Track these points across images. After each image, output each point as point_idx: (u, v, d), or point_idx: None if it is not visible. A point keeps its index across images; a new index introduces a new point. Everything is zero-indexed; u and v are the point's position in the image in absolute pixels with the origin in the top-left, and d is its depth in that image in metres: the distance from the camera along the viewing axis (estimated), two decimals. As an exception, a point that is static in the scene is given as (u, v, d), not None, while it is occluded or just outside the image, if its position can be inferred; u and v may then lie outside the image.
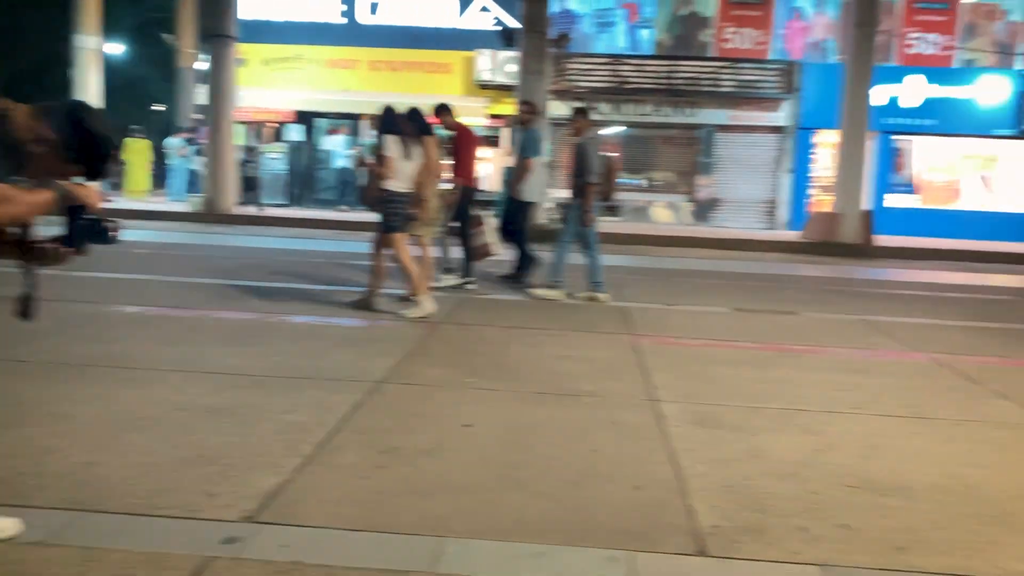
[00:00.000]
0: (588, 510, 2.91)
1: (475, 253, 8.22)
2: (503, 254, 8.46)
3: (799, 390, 4.78)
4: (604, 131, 17.86)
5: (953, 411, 4.46)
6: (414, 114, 6.81)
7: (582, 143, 7.75)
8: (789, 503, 3.05)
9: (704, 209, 20.09)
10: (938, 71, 20.02)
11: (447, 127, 8.25)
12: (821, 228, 16.09)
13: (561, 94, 18.23)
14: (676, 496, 3.06)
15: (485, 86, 19.50)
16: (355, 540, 2.60)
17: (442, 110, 8.16)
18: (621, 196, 17.45)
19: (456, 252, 8.31)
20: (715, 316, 7.45)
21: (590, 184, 7.61)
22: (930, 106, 19.80)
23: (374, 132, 7.08)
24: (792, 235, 17.48)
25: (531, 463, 3.35)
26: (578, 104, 9.83)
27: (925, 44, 20.31)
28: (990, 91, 19.64)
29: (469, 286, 8.14)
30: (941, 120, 19.81)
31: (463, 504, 2.90)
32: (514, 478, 3.17)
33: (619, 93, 19.52)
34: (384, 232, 6.67)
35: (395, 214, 6.56)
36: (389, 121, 6.66)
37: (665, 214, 20.13)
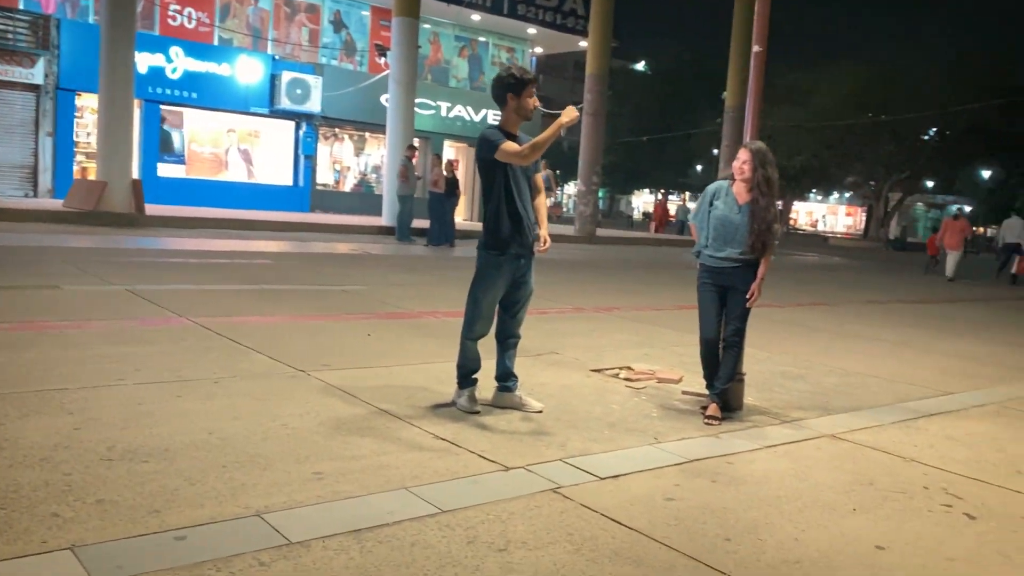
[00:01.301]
0: None
1: None
2: None
3: (60, 368, 4.47)
4: None
5: (213, 370, 4.72)
6: None
7: None
8: (38, 491, 2.82)
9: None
10: (200, 46, 20.79)
11: None
12: (85, 196, 15.32)
13: None
14: None
15: None
16: None
17: None
18: None
19: None
20: (-42, 296, 6.47)
21: None
22: (194, 79, 20.47)
23: None
24: (57, 204, 16.28)
25: None
26: None
27: (185, 18, 20.85)
28: (247, 71, 21.21)
29: None
30: (205, 94, 20.67)
31: None
32: None
33: None
34: None
35: None
36: None
37: None
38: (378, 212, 20.55)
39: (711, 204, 4.65)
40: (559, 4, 25.11)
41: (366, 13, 23.87)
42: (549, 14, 25.00)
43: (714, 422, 4.47)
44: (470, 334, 4.35)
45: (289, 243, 14.66)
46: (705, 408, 4.65)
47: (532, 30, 25.63)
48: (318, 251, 13.66)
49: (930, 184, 58.11)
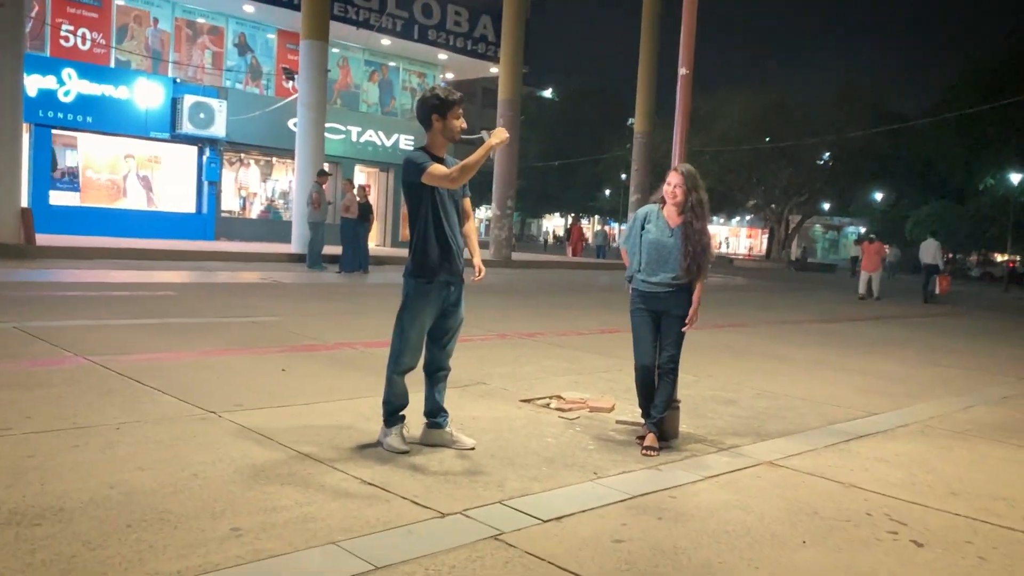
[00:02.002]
0: None
1: None
2: None
3: (-66, 419, 4.01)
4: None
5: (114, 414, 4.33)
6: None
7: None
8: (-93, 569, 2.44)
9: None
10: (95, 68, 19.90)
11: None
12: (-28, 226, 14.33)
13: None
14: None
15: None
16: None
17: None
18: None
19: None
20: None
21: None
22: (89, 103, 19.56)
23: None
24: (-62, 234, 15.16)
25: None
26: None
27: (79, 39, 19.95)
28: (147, 94, 20.39)
29: None
30: (101, 118, 19.76)
31: None
32: None
33: None
34: None
35: None
36: None
37: None
38: (286, 239, 19.97)
39: (643, 228, 4.55)
40: (470, 30, 25.12)
41: (272, 36, 23.33)
42: (460, 40, 24.97)
43: (652, 453, 4.33)
44: (397, 367, 4.11)
45: (193, 273, 14.03)
46: (642, 438, 4.52)
47: (443, 55, 25.55)
48: (225, 281, 13.10)
49: (827, 206, 60.60)
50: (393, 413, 4.14)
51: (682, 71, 4.66)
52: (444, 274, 4.04)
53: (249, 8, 21.57)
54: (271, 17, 22.25)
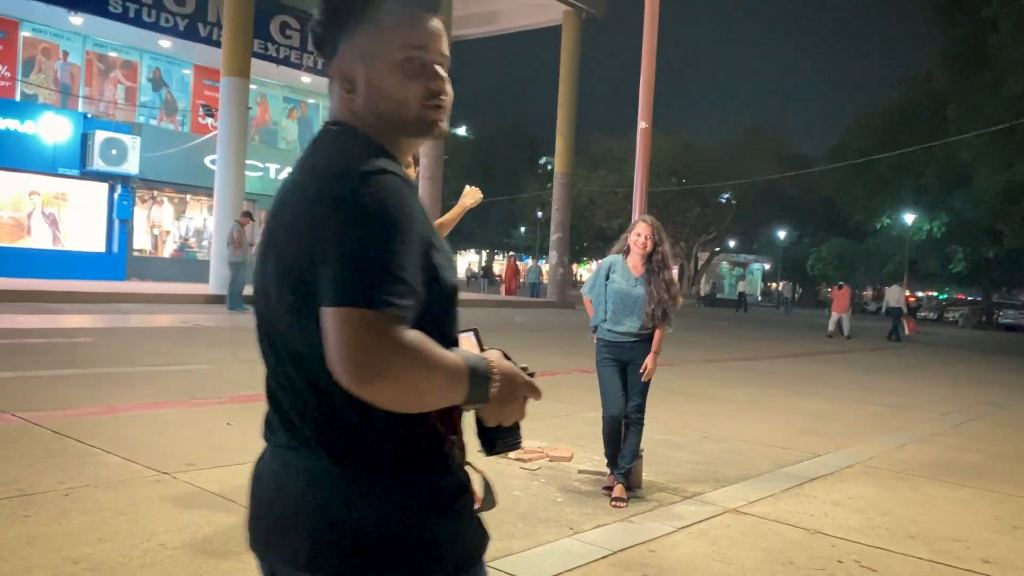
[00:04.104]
0: None
1: None
2: None
3: None
4: None
5: (60, 478, 4.07)
6: None
7: None
8: None
9: None
10: (0, 102, 19.05)
11: None
12: None
13: None
14: None
15: None
16: None
17: None
18: None
19: None
20: None
21: None
22: (-7, 137, 18.67)
23: None
24: None
25: None
26: None
27: (-16, 71, 19.12)
28: (55, 129, 19.60)
29: None
30: (5, 153, 18.87)
31: None
32: None
33: None
34: None
35: None
36: None
37: None
38: (201, 279, 19.38)
39: (607, 278, 4.60)
40: (390, 69, 25.12)
41: (188, 72, 22.82)
42: (381, 78, 24.93)
43: (622, 504, 4.34)
44: None
45: (108, 316, 13.44)
46: (608, 488, 4.52)
47: (363, 94, 25.44)
48: (144, 325, 12.60)
49: (732, 243, 62.67)
50: None
51: (642, 124, 4.76)
52: None
53: (165, 43, 21.07)
54: (188, 53, 21.78)
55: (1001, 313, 40.68)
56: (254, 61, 19.47)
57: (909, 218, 37.63)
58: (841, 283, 23.65)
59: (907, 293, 25.35)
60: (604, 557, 3.56)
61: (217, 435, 5.35)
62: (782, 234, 55.50)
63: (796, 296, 49.85)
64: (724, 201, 54.07)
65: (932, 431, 7.54)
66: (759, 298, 68.12)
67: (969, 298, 52.26)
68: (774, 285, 66.74)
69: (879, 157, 31.34)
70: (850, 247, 48.21)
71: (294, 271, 1.17)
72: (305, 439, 1.22)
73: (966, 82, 29.57)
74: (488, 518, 3.93)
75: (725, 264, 73.13)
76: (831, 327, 21.91)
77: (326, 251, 1.12)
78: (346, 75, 1.27)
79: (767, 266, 67.57)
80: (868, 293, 61.01)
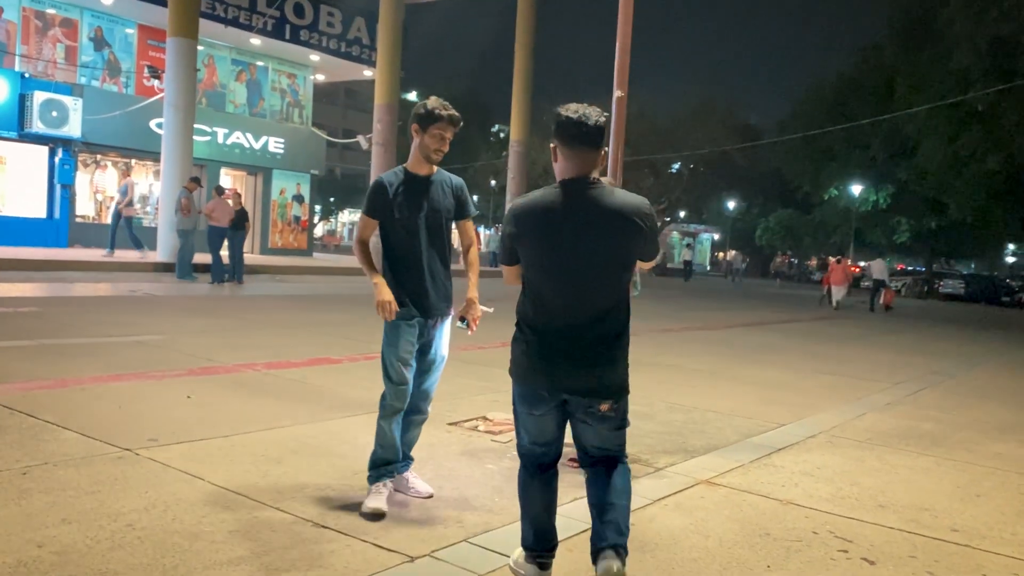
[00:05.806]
0: None
1: None
2: None
3: None
4: None
5: (16, 456, 3.91)
6: None
7: None
8: None
9: None
10: (-70, 59, 18.15)
11: None
12: None
13: None
14: None
15: None
16: None
17: None
18: None
19: None
20: None
21: None
22: (-78, 97, 17.82)
23: None
24: None
25: None
26: None
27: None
28: (-10, 90, 18.77)
29: None
30: (-63, 114, 18.04)
31: None
32: None
33: None
34: None
35: None
36: None
37: None
38: (148, 246, 18.85)
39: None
40: (343, 32, 24.58)
41: (132, 31, 21.98)
42: (333, 41, 24.39)
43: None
44: (383, 410, 3.74)
45: (52, 284, 13.01)
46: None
47: (315, 56, 24.88)
48: (91, 294, 12.22)
49: (682, 214, 63.21)
50: (378, 466, 3.76)
51: (617, 93, 4.68)
52: (408, 309, 3.73)
53: (106, 0, 20.24)
54: (131, 11, 20.96)
55: (942, 283, 41.79)
56: (202, 21, 18.86)
57: (856, 189, 38.32)
58: (839, 257, 24.53)
59: (850, 264, 26.35)
60: (583, 532, 3.53)
61: (177, 409, 5.19)
62: (732, 204, 56.12)
63: (745, 266, 50.75)
64: (675, 172, 54.41)
65: (887, 400, 7.69)
66: (707, 268, 68.98)
67: (911, 268, 53.59)
68: (722, 255, 67.62)
69: (827, 130, 31.75)
70: (797, 218, 49.01)
71: None
72: None
73: (915, 55, 30.05)
74: (463, 492, 3.86)
75: (676, 234, 73.80)
76: (835, 302, 22.63)
77: None
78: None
79: (716, 236, 68.36)
80: (812, 262, 62.22)
